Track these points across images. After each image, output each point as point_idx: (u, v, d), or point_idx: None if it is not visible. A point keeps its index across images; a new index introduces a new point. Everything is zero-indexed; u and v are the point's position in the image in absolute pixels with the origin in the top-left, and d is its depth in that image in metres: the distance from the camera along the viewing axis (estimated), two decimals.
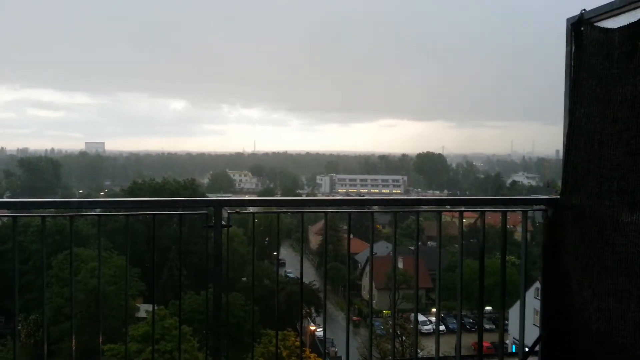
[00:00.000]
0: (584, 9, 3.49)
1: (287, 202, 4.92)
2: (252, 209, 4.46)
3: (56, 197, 70.84)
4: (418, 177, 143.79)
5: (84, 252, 33.82)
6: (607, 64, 3.22)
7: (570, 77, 3.63)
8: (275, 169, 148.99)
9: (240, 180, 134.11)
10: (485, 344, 4.51)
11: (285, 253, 61.29)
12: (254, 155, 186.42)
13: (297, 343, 27.39)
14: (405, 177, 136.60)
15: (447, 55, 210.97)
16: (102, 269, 27.98)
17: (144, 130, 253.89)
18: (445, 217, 4.68)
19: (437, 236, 4.28)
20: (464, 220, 4.29)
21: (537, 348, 4.00)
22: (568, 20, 3.62)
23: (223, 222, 3.71)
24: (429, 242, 57.62)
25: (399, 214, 4.29)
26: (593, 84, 3.37)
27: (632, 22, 3.05)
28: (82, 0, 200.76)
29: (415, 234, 4.46)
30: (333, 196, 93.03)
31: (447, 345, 6.06)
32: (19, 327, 31.62)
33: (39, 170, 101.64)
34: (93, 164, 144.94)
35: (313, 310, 40.18)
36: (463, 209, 4.49)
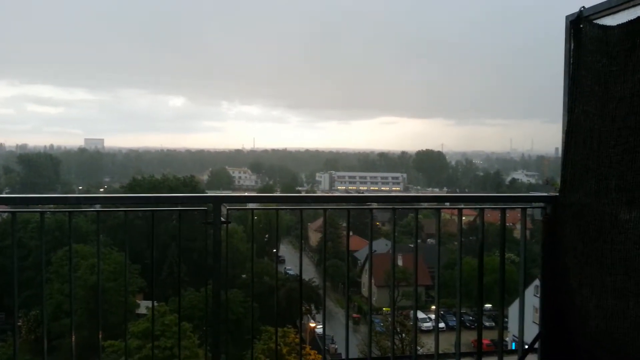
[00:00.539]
0: (583, 7, 3.48)
1: (286, 199, 4.92)
2: (251, 206, 4.46)
3: (55, 193, 70.93)
4: (417, 175, 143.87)
5: (84, 248, 33.82)
6: (606, 61, 3.22)
7: (569, 74, 3.63)
8: (275, 166, 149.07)
9: (240, 177, 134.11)
10: (485, 341, 4.52)
11: (285, 250, 61.34)
12: (253, 152, 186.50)
13: (297, 340, 27.43)
14: (405, 175, 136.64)
15: (446, 53, 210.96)
16: (102, 265, 28.01)
17: (143, 126, 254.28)
18: (445, 215, 4.68)
19: (436, 233, 4.28)
20: (464, 217, 4.29)
21: (536, 345, 4.01)
22: (567, 17, 3.62)
23: (222, 219, 3.71)
24: (428, 240, 57.71)
25: (398, 212, 4.30)
26: (592, 81, 3.37)
27: (631, 20, 3.04)
28: None
29: (415, 231, 4.46)
30: (332, 193, 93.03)
31: (447, 343, 6.07)
32: (19, 324, 31.72)
33: (38, 166, 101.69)
34: (92, 160, 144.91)
35: (313, 307, 40.24)
36: (462, 206, 4.49)
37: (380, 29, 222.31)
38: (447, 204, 4.91)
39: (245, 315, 30.88)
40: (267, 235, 54.19)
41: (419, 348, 4.67)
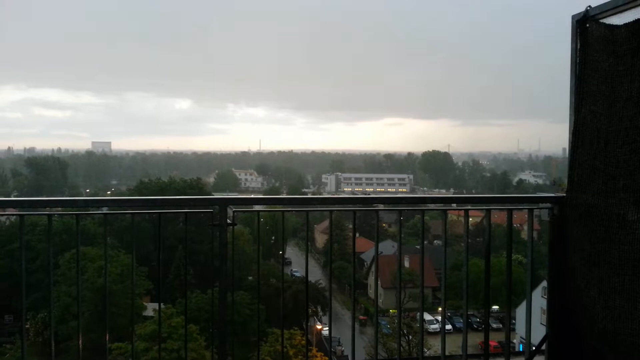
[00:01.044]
0: (589, 6, 3.47)
1: (292, 201, 4.92)
2: (257, 208, 4.47)
3: (63, 196, 71.28)
4: (424, 176, 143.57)
5: (91, 250, 33.96)
6: (613, 60, 3.20)
7: (575, 74, 3.61)
8: (281, 168, 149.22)
9: (246, 179, 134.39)
10: (492, 343, 4.51)
11: (291, 252, 61.39)
12: (259, 154, 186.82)
13: (304, 342, 27.42)
14: (411, 176, 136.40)
15: (451, 53, 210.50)
16: (109, 267, 28.10)
17: (150, 129, 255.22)
18: (451, 216, 4.64)
19: (443, 235, 4.27)
20: (470, 218, 4.28)
21: (543, 347, 3.99)
22: (573, 17, 3.60)
23: (228, 221, 3.72)
24: (435, 241, 57.55)
25: (405, 213, 4.29)
26: (599, 81, 3.35)
27: (638, 19, 3.03)
28: (88, 0, 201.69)
29: (421, 233, 4.45)
30: (338, 195, 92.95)
31: (454, 344, 6.05)
32: (27, 326, 31.88)
33: (45, 169, 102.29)
34: (99, 163, 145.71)
35: (319, 309, 40.21)
36: (469, 208, 4.48)
37: (384, 29, 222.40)
38: (454, 205, 4.90)
39: (252, 317, 30.90)
40: (273, 237, 54.25)
41: (425, 350, 4.66)
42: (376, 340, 4.70)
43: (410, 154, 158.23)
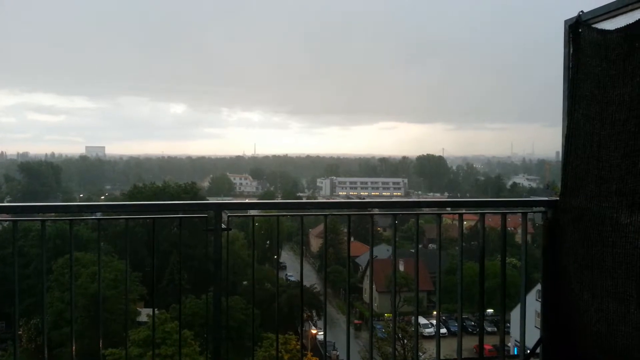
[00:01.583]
0: (582, 11, 3.50)
1: (287, 205, 4.92)
2: (252, 212, 4.46)
3: (57, 201, 70.93)
4: (418, 180, 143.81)
5: (85, 256, 33.79)
6: (605, 65, 3.23)
7: (568, 78, 3.64)
8: (276, 172, 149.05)
9: (241, 184, 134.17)
10: (487, 346, 4.52)
11: (286, 256, 61.24)
12: (254, 159, 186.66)
13: (298, 346, 27.36)
14: (406, 180, 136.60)
15: (446, 58, 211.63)
16: (103, 273, 27.93)
17: (144, 134, 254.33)
18: (446, 220, 4.67)
19: (437, 238, 4.28)
20: (465, 222, 4.29)
21: (538, 350, 4.00)
22: (566, 22, 3.63)
23: (223, 225, 3.71)
24: (429, 245, 57.62)
25: (400, 217, 4.29)
26: (591, 85, 3.37)
27: (629, 24, 3.05)
28: (82, 5, 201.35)
29: (416, 237, 4.46)
30: (333, 199, 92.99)
31: (449, 348, 6.05)
32: (20, 332, 31.62)
33: (39, 174, 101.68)
34: (93, 168, 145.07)
35: (314, 314, 40.14)
36: (463, 211, 4.49)
37: (379, 34, 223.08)
38: (448, 209, 4.92)
39: (246, 322, 30.80)
40: (268, 242, 54.14)
41: (420, 354, 4.65)
42: (371, 344, 4.70)
43: (404, 158, 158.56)
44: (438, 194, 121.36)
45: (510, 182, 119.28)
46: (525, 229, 4.20)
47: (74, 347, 3.89)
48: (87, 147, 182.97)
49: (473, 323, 37.27)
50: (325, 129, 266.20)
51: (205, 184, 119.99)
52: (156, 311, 26.16)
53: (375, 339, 29.70)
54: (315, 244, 64.63)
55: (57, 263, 32.37)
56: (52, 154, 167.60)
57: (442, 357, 4.15)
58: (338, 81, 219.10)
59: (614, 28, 3.19)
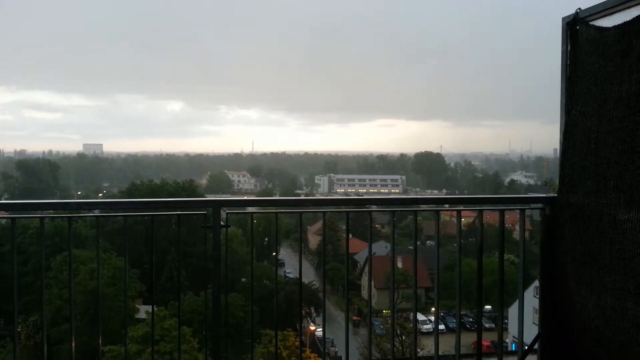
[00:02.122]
0: (579, 8, 3.50)
1: (285, 202, 4.92)
2: (250, 209, 4.47)
3: (54, 199, 70.68)
4: (416, 177, 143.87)
5: (83, 253, 33.76)
6: (603, 62, 3.23)
7: (566, 76, 3.64)
8: (274, 170, 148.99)
9: (239, 181, 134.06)
10: (485, 342, 4.53)
11: (284, 253, 61.27)
12: (252, 156, 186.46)
13: (297, 343, 27.39)
14: (404, 177, 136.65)
15: (444, 55, 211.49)
16: (101, 270, 27.91)
17: (141, 131, 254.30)
18: (444, 217, 4.64)
19: (435, 235, 4.28)
20: (463, 219, 4.30)
21: (536, 346, 4.01)
22: (563, 19, 3.63)
23: (221, 223, 3.72)
24: (427, 242, 57.70)
25: (398, 214, 4.30)
26: (589, 82, 3.38)
27: (627, 21, 3.06)
28: (79, 2, 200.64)
29: (414, 233, 4.46)
30: (331, 196, 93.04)
31: (447, 344, 6.06)
32: (19, 329, 31.60)
33: (36, 172, 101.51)
34: (91, 165, 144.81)
35: (313, 310, 40.19)
36: (461, 208, 4.49)
37: (376, 32, 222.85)
38: (446, 205, 4.92)
39: (245, 319, 30.83)
40: (266, 239, 54.16)
41: (419, 350, 4.67)
42: (369, 341, 4.71)
43: (402, 155, 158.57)
44: (436, 191, 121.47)
45: (508, 179, 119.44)
46: (523, 225, 4.21)
47: (73, 344, 3.90)
48: (84, 145, 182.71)
49: (471, 319, 37.41)
50: (323, 127, 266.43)
51: (204, 181, 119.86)
52: (155, 308, 26.14)
53: (373, 335, 29.76)
54: (313, 241, 64.66)
55: (55, 260, 32.36)
56: (50, 152, 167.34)
57: (440, 353, 4.17)
58: (336, 79, 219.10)
59: (611, 25, 3.20)
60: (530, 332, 4.05)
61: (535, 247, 4.09)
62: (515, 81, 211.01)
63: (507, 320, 24.42)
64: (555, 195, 3.76)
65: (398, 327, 31.02)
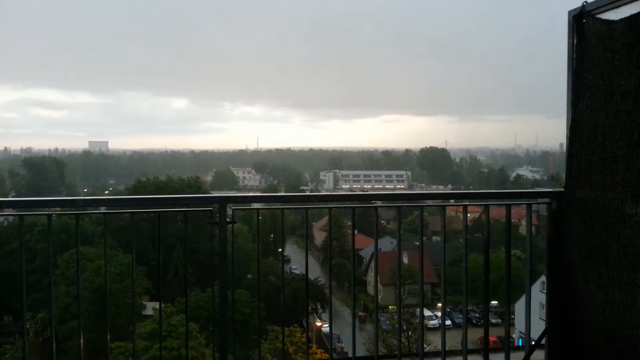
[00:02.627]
0: (586, 1, 3.47)
1: (290, 199, 4.92)
2: (256, 205, 4.47)
3: (61, 196, 71.10)
4: (422, 172, 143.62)
5: (89, 250, 33.93)
6: (610, 55, 3.21)
7: (572, 69, 3.62)
8: (279, 166, 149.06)
9: (244, 177, 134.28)
10: (492, 338, 4.53)
11: (290, 249, 61.41)
12: (257, 152, 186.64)
13: (304, 339, 27.46)
14: (409, 172, 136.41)
15: (449, 50, 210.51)
16: (108, 267, 28.04)
17: (147, 128, 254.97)
18: (450, 212, 4.63)
19: (441, 231, 4.27)
20: (469, 214, 4.29)
21: (543, 341, 4.01)
22: (570, 12, 3.61)
23: (227, 219, 3.72)
24: (433, 237, 57.64)
25: (404, 209, 4.30)
26: (595, 76, 3.36)
27: (634, 14, 3.03)
28: (84, 0, 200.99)
29: (420, 229, 4.46)
30: (336, 192, 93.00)
31: (454, 340, 6.06)
32: (27, 326, 31.79)
33: (43, 169, 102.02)
34: (97, 163, 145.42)
35: (319, 306, 40.24)
36: (467, 203, 4.48)
37: (382, 26, 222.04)
38: (452, 201, 4.91)
39: (252, 315, 30.91)
40: (272, 235, 54.25)
41: (425, 346, 4.66)
42: (376, 336, 4.71)
43: (407, 151, 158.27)
44: (441, 187, 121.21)
45: (514, 174, 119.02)
46: (529, 220, 4.20)
47: (81, 340, 3.92)
48: (90, 142, 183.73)
49: (477, 315, 37.35)
50: (327, 122, 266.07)
51: (209, 178, 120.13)
52: (162, 304, 26.26)
53: (379, 331, 29.78)
54: (319, 237, 64.71)
55: (62, 257, 32.54)
56: (56, 149, 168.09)
57: (447, 348, 4.17)
58: (340, 75, 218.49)
59: (618, 18, 3.17)
60: (537, 327, 4.04)
61: (542, 242, 4.08)
62: (521, 75, 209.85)
63: (514, 315, 24.38)
64: (562, 189, 3.74)
65: (404, 323, 31.05)
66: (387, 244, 41.57)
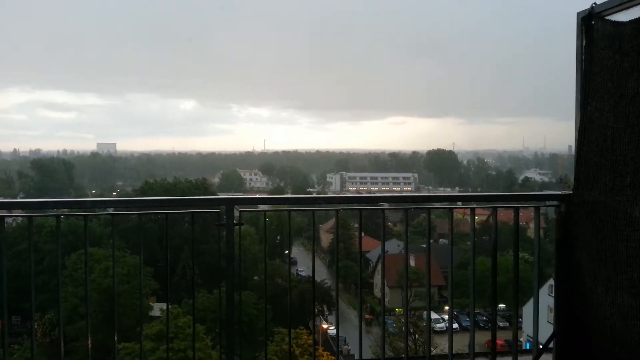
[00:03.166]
0: (595, 3, 3.45)
1: (297, 200, 4.93)
2: (263, 207, 4.48)
3: (69, 197, 71.51)
4: (429, 175, 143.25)
5: (97, 251, 34.11)
6: (619, 57, 3.19)
7: (581, 71, 3.60)
8: (286, 168, 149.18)
9: (251, 179, 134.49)
10: (499, 341, 4.50)
11: (296, 251, 61.37)
12: (264, 154, 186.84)
13: (310, 341, 27.43)
14: (416, 175, 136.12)
15: (456, 51, 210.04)
16: (116, 268, 28.19)
17: (154, 130, 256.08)
18: (457, 214, 4.62)
19: (449, 233, 4.26)
20: (476, 217, 4.27)
21: (551, 345, 3.98)
22: (578, 14, 3.59)
23: (234, 221, 3.73)
24: (440, 240, 57.44)
25: (411, 212, 4.28)
26: (604, 78, 3.34)
27: None
28: (92, 2, 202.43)
29: (427, 232, 4.44)
30: (343, 194, 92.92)
31: (461, 343, 6.03)
32: (35, 327, 31.92)
33: (51, 171, 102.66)
34: (105, 164, 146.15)
35: (325, 309, 40.20)
36: (475, 206, 4.46)
37: (388, 28, 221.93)
38: (460, 203, 4.89)
39: (258, 317, 30.91)
40: (278, 237, 54.26)
41: (432, 349, 4.64)
42: (383, 339, 4.70)
43: (414, 153, 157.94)
44: (449, 189, 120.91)
45: (522, 177, 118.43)
46: (538, 223, 4.17)
47: (89, 341, 3.94)
48: (98, 144, 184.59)
49: (485, 318, 37.17)
50: (334, 125, 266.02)
51: (216, 179, 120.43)
52: (169, 306, 26.35)
53: (386, 334, 29.71)
54: (325, 239, 64.68)
55: (70, 259, 32.72)
56: (64, 151, 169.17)
57: (454, 352, 4.15)
58: (346, 77, 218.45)
59: (627, 20, 3.15)
60: (545, 331, 4.02)
61: (550, 245, 4.05)
62: (529, 77, 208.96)
63: (522, 319, 24.23)
64: (571, 192, 3.72)
65: (411, 326, 30.94)
66: (394, 246, 41.43)
